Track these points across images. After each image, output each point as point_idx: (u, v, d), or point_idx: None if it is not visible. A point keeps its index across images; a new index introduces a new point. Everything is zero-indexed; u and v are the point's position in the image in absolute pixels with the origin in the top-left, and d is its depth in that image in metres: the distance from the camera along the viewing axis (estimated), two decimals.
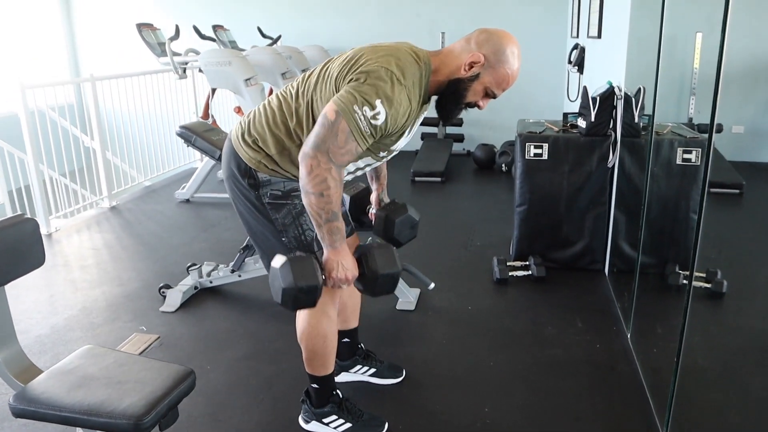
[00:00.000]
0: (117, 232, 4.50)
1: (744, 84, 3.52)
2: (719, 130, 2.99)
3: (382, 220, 2.16)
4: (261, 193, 1.86)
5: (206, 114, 5.14)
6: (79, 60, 8.02)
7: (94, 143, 5.11)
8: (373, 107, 1.61)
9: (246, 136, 1.85)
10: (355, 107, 1.60)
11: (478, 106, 1.80)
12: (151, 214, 4.90)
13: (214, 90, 5.10)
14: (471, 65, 1.70)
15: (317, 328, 1.95)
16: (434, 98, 1.82)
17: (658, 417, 2.13)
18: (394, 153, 1.90)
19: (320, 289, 1.71)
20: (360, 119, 1.61)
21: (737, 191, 3.67)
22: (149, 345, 2.76)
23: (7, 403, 1.55)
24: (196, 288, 3.27)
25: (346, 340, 2.36)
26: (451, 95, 1.77)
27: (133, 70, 5.69)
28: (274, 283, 1.71)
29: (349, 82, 1.66)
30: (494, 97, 1.77)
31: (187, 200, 5.21)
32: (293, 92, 1.81)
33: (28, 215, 1.71)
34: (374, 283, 1.78)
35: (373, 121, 1.62)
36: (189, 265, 3.34)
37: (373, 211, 2.27)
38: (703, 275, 2.89)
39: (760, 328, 2.52)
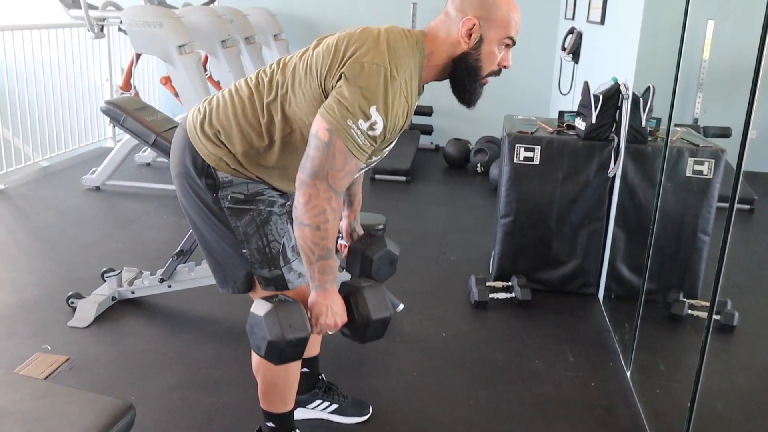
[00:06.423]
0: (7, 223, 4.36)
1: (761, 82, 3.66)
2: (728, 134, 3.13)
3: (358, 256, 2.17)
4: (220, 195, 1.84)
5: (127, 84, 5.04)
6: None
7: None
8: (368, 117, 1.63)
9: (206, 127, 1.83)
10: (349, 122, 1.62)
11: (504, 66, 1.83)
12: (52, 203, 4.76)
13: (138, 55, 5.00)
14: (468, 33, 1.75)
15: None
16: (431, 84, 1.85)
17: None
18: (385, 155, 1.93)
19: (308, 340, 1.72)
20: (356, 134, 1.63)
21: (747, 206, 3.81)
22: (56, 368, 2.71)
23: None
24: (113, 299, 3.20)
25: (305, 369, 2.35)
26: (465, 73, 1.80)
27: (29, 22, 5.49)
28: (255, 332, 1.72)
29: (336, 82, 1.67)
30: (513, 43, 1.80)
31: (98, 188, 5.08)
32: (266, 81, 1.81)
33: None
34: (365, 329, 1.79)
35: (370, 132, 1.65)
36: (104, 270, 3.28)
37: (342, 242, 2.28)
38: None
39: None
